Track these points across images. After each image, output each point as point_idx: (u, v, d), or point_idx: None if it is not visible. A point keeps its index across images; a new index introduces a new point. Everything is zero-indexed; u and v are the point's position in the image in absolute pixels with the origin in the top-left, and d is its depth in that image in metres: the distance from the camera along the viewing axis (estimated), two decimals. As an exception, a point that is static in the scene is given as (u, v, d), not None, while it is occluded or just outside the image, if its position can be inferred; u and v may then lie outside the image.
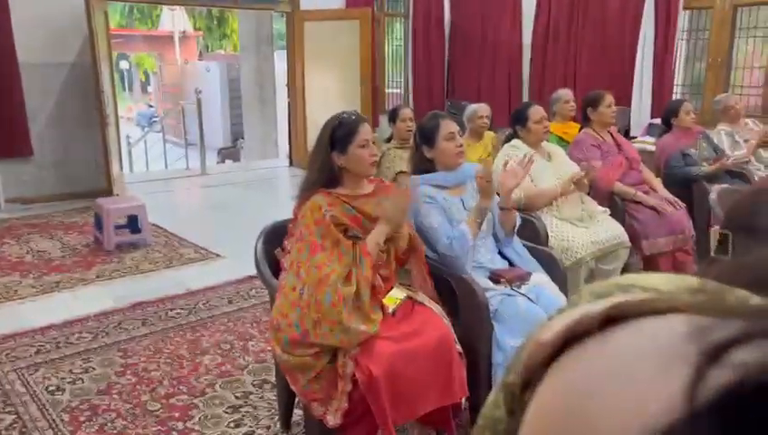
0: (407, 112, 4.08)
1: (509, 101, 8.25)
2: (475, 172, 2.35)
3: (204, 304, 3.66)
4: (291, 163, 8.18)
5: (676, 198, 3.72)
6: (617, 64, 6.94)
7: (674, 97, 6.86)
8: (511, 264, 2.52)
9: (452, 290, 2.35)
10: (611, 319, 0.28)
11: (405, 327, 2.05)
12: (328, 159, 2.15)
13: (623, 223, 3.44)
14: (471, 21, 8.52)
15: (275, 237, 2.36)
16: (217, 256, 4.53)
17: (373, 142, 2.17)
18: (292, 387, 2.07)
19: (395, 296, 2.19)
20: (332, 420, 1.96)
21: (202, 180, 7.64)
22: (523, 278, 2.40)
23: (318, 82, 7.64)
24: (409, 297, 2.20)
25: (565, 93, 4.56)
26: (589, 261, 3.08)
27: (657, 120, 6.36)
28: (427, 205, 2.35)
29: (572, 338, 0.29)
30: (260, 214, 6.07)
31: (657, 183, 3.82)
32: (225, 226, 5.44)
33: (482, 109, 4.38)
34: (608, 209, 3.40)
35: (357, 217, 2.16)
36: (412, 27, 8.56)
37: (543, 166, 3.30)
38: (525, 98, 8.45)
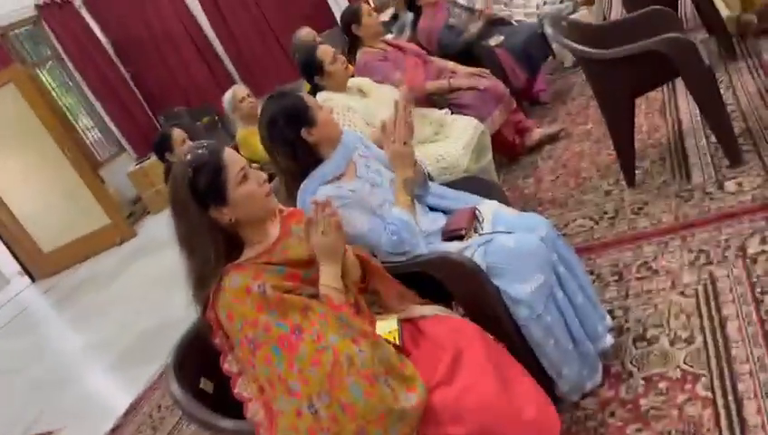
0: (178, 134, 3.25)
1: (216, 81, 7.60)
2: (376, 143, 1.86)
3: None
4: (33, 279, 6.62)
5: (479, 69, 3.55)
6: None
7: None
8: (445, 213, 2.07)
9: (420, 282, 1.83)
10: None
11: (439, 358, 1.50)
12: (211, 224, 1.43)
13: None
14: (131, 29, 7.60)
15: (190, 369, 1.59)
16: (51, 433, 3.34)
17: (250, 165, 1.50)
18: None
19: (386, 330, 1.60)
20: None
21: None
22: (475, 215, 1.97)
23: (6, 175, 6.15)
24: (401, 320, 1.64)
25: (306, 31, 4.10)
26: (472, 166, 2.76)
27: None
28: (342, 209, 1.74)
29: None
30: (43, 361, 4.73)
31: (453, 64, 3.60)
32: (21, 402, 4.12)
33: (238, 91, 3.71)
34: (447, 109, 3.08)
35: (293, 274, 1.49)
36: (74, 65, 7.37)
37: (367, 105, 2.85)
38: (233, 70, 7.84)
